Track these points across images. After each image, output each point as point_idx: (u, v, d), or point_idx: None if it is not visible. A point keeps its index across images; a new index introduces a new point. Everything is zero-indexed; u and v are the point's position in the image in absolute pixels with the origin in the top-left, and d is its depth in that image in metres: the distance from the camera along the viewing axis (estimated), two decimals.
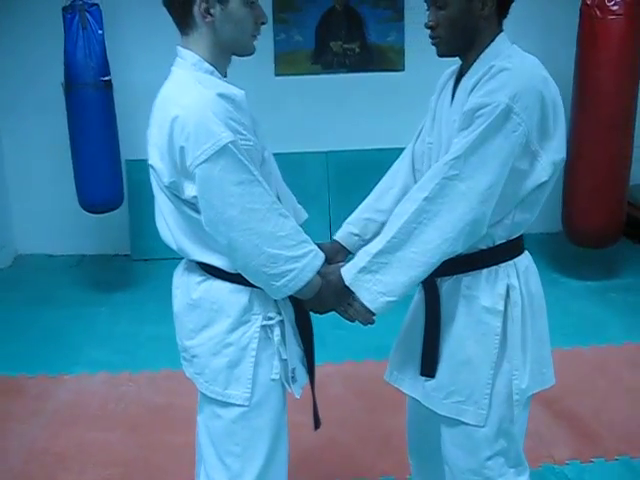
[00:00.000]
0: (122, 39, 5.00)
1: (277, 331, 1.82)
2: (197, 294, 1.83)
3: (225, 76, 1.81)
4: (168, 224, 1.81)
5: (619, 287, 4.74)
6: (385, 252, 1.75)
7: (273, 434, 1.86)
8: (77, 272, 5.22)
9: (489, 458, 1.90)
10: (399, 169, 2.18)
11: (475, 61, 1.82)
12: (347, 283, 1.79)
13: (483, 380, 1.85)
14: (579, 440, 3.00)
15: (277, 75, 5.52)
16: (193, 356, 1.87)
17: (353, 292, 1.79)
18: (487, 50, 1.81)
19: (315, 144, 5.54)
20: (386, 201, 2.12)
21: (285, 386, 1.87)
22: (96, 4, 4.39)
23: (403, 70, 5.59)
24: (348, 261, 1.90)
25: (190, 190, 1.68)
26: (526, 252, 1.93)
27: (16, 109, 5.34)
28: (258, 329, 1.80)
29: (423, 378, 1.93)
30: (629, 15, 4.33)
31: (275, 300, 1.81)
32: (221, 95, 1.66)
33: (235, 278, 1.77)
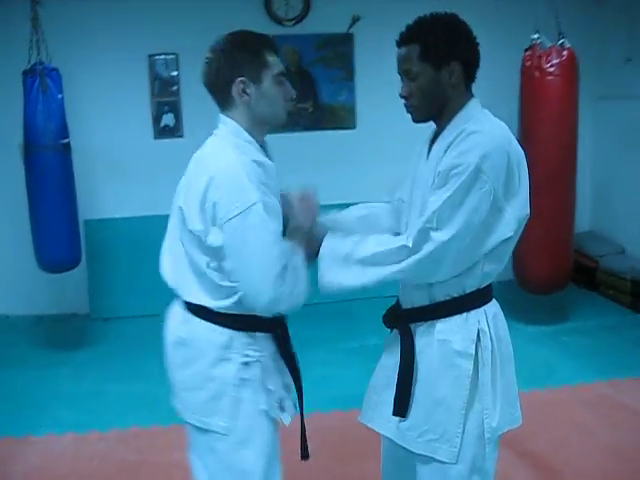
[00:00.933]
0: (80, 102, 5.09)
1: (257, 367, 1.99)
2: (184, 333, 2.02)
3: (263, 143, 2.06)
4: (175, 261, 2.02)
5: (570, 330, 4.96)
6: (355, 261, 1.95)
7: (266, 462, 2.00)
8: (36, 332, 5.19)
9: None
10: (389, 214, 2.30)
11: (448, 124, 1.98)
12: (320, 254, 2.00)
13: (455, 419, 1.96)
14: (543, 477, 3.12)
15: None
16: (180, 390, 2.04)
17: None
18: (459, 114, 1.97)
19: None
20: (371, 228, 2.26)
21: (274, 417, 2.01)
22: (56, 69, 4.50)
23: (354, 128, 5.81)
24: None
25: (215, 239, 1.87)
26: (494, 300, 2.07)
27: None
28: (237, 365, 1.97)
29: (397, 418, 2.03)
30: (565, 75, 4.65)
31: (255, 339, 1.99)
32: (256, 162, 1.91)
33: (218, 319, 1.97)
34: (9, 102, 4.80)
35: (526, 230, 4.97)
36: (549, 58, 4.63)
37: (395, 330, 2.07)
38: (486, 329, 1.97)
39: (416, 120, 2.02)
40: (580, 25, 5.65)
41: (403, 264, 1.88)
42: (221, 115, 2.02)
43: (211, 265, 1.92)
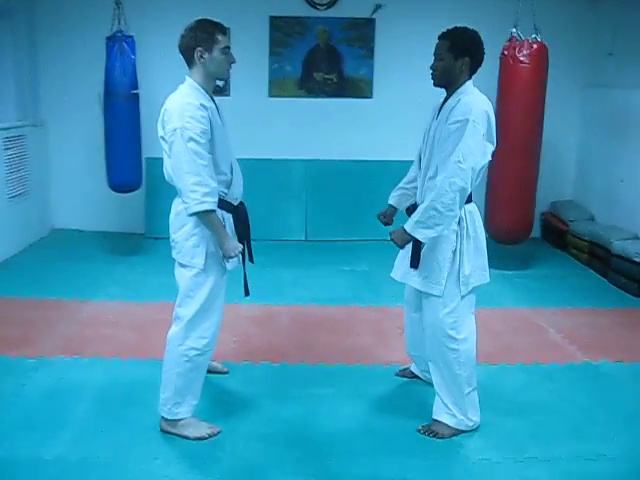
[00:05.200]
0: (149, 62, 6.42)
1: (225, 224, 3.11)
2: (179, 207, 3.10)
3: (213, 92, 3.16)
4: (165, 164, 3.13)
5: (525, 275, 6.04)
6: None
7: (216, 285, 3.17)
8: (101, 242, 6.63)
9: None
10: (414, 164, 3.57)
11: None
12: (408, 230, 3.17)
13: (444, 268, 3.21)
14: None
15: (270, 96, 6.89)
16: (176, 243, 3.16)
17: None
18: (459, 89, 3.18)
19: (298, 153, 6.86)
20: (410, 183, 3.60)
21: (221, 261, 3.15)
22: (132, 36, 5.82)
23: (371, 97, 6.92)
24: None
25: (167, 146, 3.02)
26: (473, 203, 3.26)
27: (59, 110, 6.79)
28: None
29: (411, 270, 3.28)
30: (535, 64, 5.65)
31: (220, 211, 3.08)
32: (201, 104, 2.99)
33: None
34: (95, 61, 6.10)
35: (495, 191, 6.07)
36: (522, 49, 5.65)
37: None
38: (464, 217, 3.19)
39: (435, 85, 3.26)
40: (565, 24, 6.65)
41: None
42: (186, 75, 3.09)
43: None
